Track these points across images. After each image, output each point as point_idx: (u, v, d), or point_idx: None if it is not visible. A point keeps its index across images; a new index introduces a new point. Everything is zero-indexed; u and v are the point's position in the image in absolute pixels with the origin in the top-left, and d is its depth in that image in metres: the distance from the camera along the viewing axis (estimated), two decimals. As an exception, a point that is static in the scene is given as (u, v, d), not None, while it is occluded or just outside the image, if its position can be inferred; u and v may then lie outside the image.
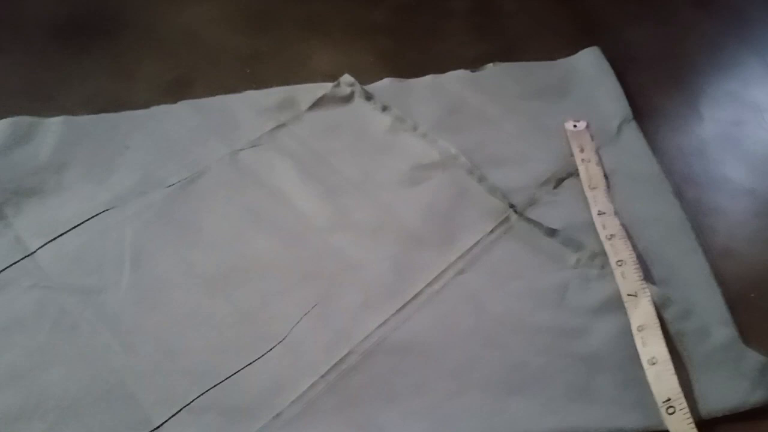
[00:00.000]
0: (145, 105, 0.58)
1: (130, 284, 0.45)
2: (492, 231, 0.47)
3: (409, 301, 0.44)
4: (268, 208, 0.50)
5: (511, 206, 0.48)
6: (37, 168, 0.52)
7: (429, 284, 0.45)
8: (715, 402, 0.39)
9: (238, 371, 0.42)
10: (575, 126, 0.53)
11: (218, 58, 0.62)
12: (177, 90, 0.59)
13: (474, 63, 0.59)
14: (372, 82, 0.58)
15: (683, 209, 0.47)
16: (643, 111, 0.54)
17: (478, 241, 0.47)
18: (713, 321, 0.41)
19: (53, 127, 0.55)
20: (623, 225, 0.46)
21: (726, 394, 0.39)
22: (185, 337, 0.43)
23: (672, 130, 0.53)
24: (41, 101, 0.57)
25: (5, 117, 0.54)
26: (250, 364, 0.42)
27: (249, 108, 0.57)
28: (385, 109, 0.55)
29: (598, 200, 0.48)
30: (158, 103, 0.58)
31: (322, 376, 0.41)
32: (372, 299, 0.44)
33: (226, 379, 0.41)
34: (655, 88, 0.56)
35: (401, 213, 0.49)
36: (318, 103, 0.56)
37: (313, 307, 0.44)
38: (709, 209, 0.47)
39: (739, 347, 0.40)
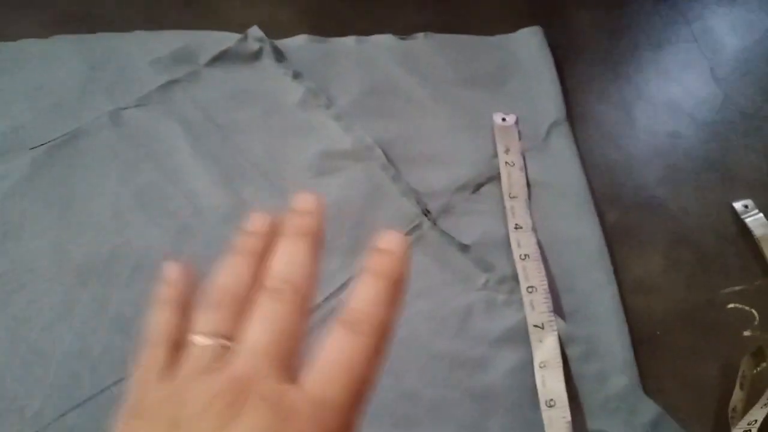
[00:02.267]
0: (13, 37, 0.48)
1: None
2: (401, 239, 0.43)
3: (303, 316, 0.40)
4: (153, 186, 0.43)
5: (425, 213, 0.44)
6: None
7: (327, 298, 0.41)
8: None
9: (104, 389, 0.37)
10: (504, 120, 0.49)
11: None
12: (62, 28, 0.50)
13: (404, 30, 0.52)
14: (286, 37, 0.51)
15: (603, 234, 0.44)
16: (576, 112, 0.50)
17: (384, 251, 0.43)
18: (615, 365, 0.40)
19: None
20: (539, 244, 0.44)
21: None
22: (46, 338, 0.38)
23: (603, 138, 0.49)
24: None
25: None
26: (120, 381, 0.37)
27: (138, 53, 0.48)
28: (296, 76, 0.48)
29: (516, 212, 0.45)
30: (31, 35, 0.49)
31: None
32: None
33: (89, 399, 0.37)
34: (593, 85, 0.51)
35: (305, 207, 0.43)
36: (219, 58, 0.49)
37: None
38: (629, 235, 0.45)
39: (635, 396, 0.39)
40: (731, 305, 0.43)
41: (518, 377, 0.39)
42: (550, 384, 0.39)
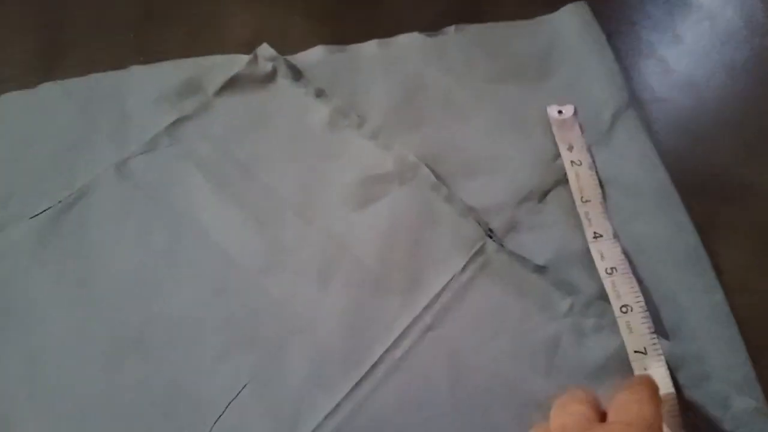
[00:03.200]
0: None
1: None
2: (464, 268, 0.37)
3: (367, 373, 0.35)
4: (177, 242, 0.38)
5: (489, 233, 0.38)
6: None
7: (389, 349, 0.35)
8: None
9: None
10: (560, 113, 0.43)
11: (97, 21, 0.46)
12: (42, 66, 0.44)
13: (432, 25, 0.46)
14: (301, 50, 0.45)
15: (695, 231, 0.38)
16: (640, 93, 0.44)
17: (448, 283, 0.37)
18: (735, 385, 0.34)
19: None
20: (625, 253, 0.38)
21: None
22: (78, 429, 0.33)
23: (671, 120, 0.43)
24: None
25: None
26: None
27: (138, 92, 0.43)
28: (320, 94, 0.43)
29: (593, 219, 0.39)
30: (17, 84, 0.43)
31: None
32: (321, 372, 0.35)
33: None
34: (651, 58, 0.45)
35: (352, 245, 0.38)
36: (230, 85, 0.43)
37: (244, 387, 0.34)
38: (722, 229, 0.39)
39: (765, 422, 0.33)
40: None
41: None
42: (666, 420, 0.33)
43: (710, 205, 0.40)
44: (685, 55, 0.46)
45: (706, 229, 0.39)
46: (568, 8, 0.47)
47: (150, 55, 0.45)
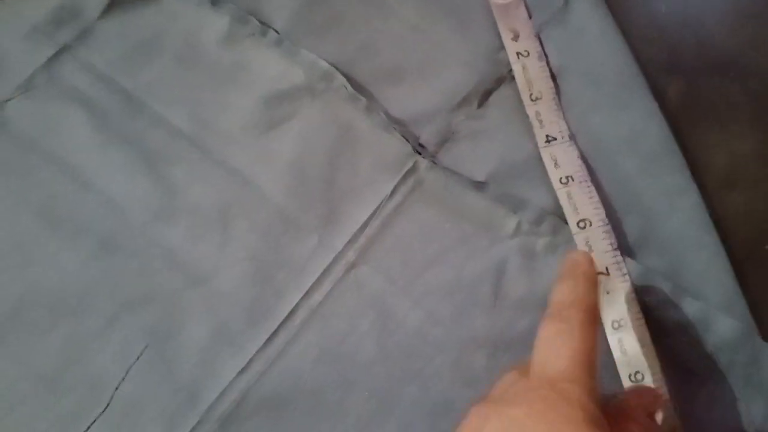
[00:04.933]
0: None
1: None
2: (392, 193, 0.31)
3: (281, 325, 0.30)
4: (59, 196, 0.33)
5: (418, 149, 0.32)
6: None
7: (307, 294, 0.30)
8: None
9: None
10: (502, -5, 0.35)
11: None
12: None
13: None
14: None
15: (666, 121, 0.31)
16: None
17: (374, 213, 0.31)
18: (716, 304, 0.28)
19: None
20: (583, 157, 0.31)
21: (731, 419, 0.27)
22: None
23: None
24: None
25: None
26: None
27: (7, 27, 0.37)
28: (216, 2, 0.36)
29: (544, 119, 0.32)
30: None
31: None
32: (226, 329, 0.30)
33: None
34: None
35: (257, 179, 0.32)
36: (114, 4, 0.36)
37: (143, 352, 0.30)
38: (702, 111, 0.32)
39: (752, 341, 0.27)
40: None
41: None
42: (632, 350, 0.28)
43: (691, 84, 0.33)
44: None
45: (689, 109, 0.32)
46: None
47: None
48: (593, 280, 0.27)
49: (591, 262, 0.28)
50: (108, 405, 0.29)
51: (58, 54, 0.36)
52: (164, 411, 0.29)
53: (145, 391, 0.29)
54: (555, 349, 0.23)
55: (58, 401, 0.29)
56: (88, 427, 0.29)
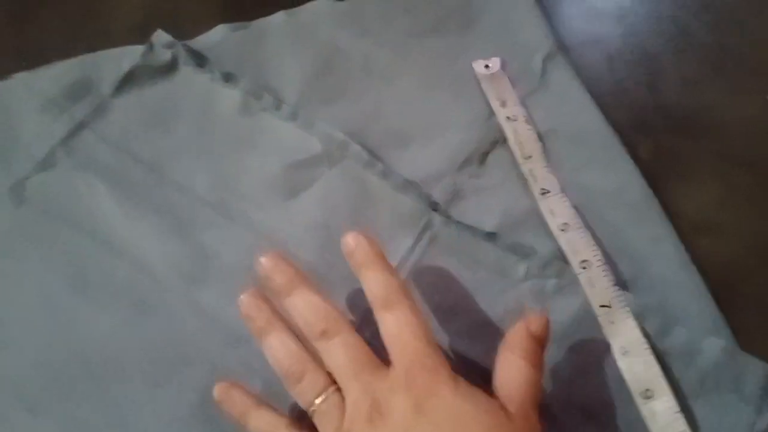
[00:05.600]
0: None
1: None
2: (413, 247, 0.35)
3: (322, 378, 0.32)
4: (90, 264, 0.34)
5: (433, 206, 0.36)
6: None
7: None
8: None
9: None
10: (487, 67, 0.40)
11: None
12: None
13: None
14: (200, 33, 0.40)
15: (642, 176, 0.37)
16: (568, 38, 0.41)
17: (396, 267, 0.34)
18: (702, 331, 0.33)
19: None
20: (575, 206, 0.36)
21: (728, 427, 0.31)
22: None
23: (605, 59, 0.41)
24: None
25: None
26: None
27: (24, 102, 0.38)
28: (228, 79, 0.38)
29: (537, 175, 0.37)
30: None
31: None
32: (269, 388, 0.31)
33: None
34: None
35: (285, 241, 0.34)
36: (126, 81, 0.38)
37: (188, 412, 0.31)
38: (671, 167, 0.37)
39: (737, 358, 0.32)
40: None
41: (602, 374, 0.32)
42: (639, 371, 0.31)
43: (658, 142, 0.38)
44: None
45: (659, 165, 0.37)
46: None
47: (32, 60, 0.39)
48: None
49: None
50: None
51: (75, 129, 0.37)
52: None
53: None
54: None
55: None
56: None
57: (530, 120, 0.38)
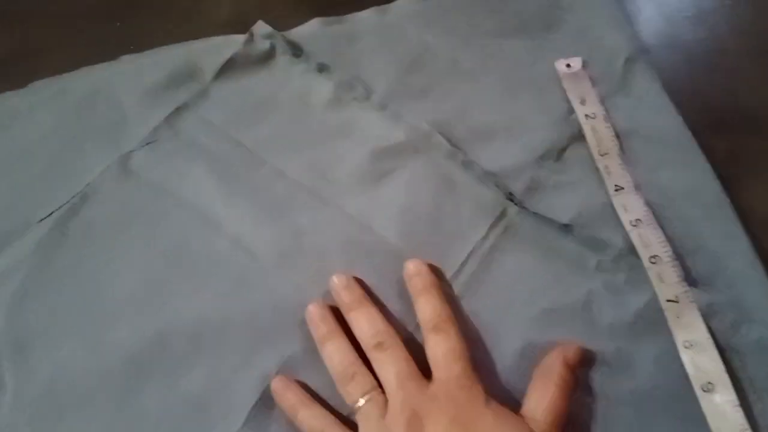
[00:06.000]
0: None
1: (15, 397, 0.32)
2: (487, 234, 0.37)
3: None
4: (189, 239, 0.37)
5: (510, 197, 0.38)
6: None
7: (417, 326, 0.35)
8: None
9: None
10: (569, 66, 0.41)
11: (75, 12, 0.44)
12: (18, 66, 0.42)
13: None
14: (295, 26, 0.43)
15: (717, 178, 0.38)
16: (649, 39, 0.43)
17: (472, 251, 0.36)
18: (770, 327, 0.34)
19: None
20: (648, 204, 0.37)
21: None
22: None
23: (690, 61, 0.42)
24: None
25: None
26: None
27: (131, 84, 0.41)
28: (322, 69, 0.41)
29: (612, 172, 0.38)
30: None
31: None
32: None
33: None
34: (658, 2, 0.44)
35: (372, 224, 0.37)
36: (227, 68, 0.42)
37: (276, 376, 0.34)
38: (745, 166, 0.38)
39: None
40: None
41: (665, 366, 0.34)
42: (703, 364, 0.33)
43: (735, 139, 0.39)
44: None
45: (733, 164, 0.38)
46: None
47: (138, 45, 0.43)
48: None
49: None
50: (244, 423, 0.33)
51: (178, 111, 0.40)
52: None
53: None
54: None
55: (200, 419, 0.32)
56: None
57: (608, 119, 0.39)
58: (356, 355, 0.32)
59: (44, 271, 0.36)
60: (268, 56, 0.42)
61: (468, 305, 0.35)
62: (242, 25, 0.43)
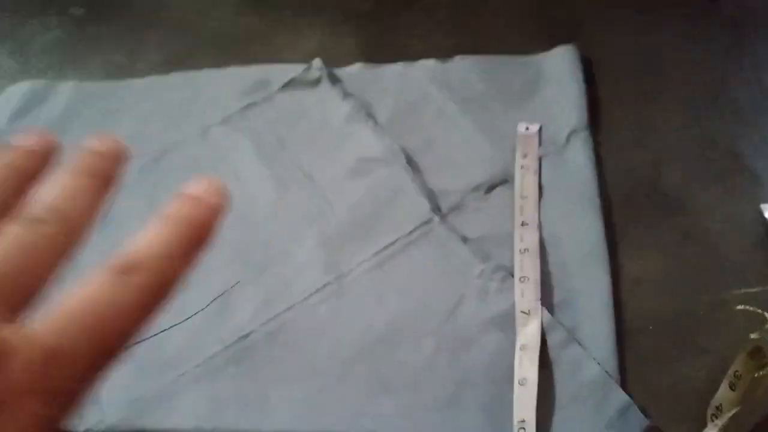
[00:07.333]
0: (140, 74, 0.64)
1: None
2: (411, 232, 0.48)
3: (317, 291, 0.47)
4: (235, 197, 0.53)
5: (436, 210, 0.49)
6: (49, 126, 0.59)
7: (339, 276, 0.47)
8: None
9: (163, 330, 0.47)
10: (527, 129, 0.52)
11: (214, 37, 0.66)
12: (174, 66, 0.64)
13: (449, 54, 0.58)
14: (345, 64, 0.60)
15: (604, 232, 0.46)
16: (605, 120, 0.52)
17: (396, 240, 0.48)
18: (592, 354, 0.41)
19: (64, 90, 0.62)
20: (542, 239, 0.46)
21: (579, 430, 0.39)
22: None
23: (627, 144, 0.50)
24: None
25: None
26: (173, 326, 0.47)
27: (228, 84, 0.61)
28: (346, 96, 0.57)
29: (525, 210, 0.48)
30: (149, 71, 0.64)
31: (226, 347, 0.46)
32: (282, 288, 0.47)
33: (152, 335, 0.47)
34: (622, 97, 0.53)
35: (338, 202, 0.51)
36: (289, 84, 0.59)
37: (232, 286, 0.48)
38: (640, 235, 0.46)
39: (606, 385, 0.39)
40: (740, 306, 0.41)
41: (499, 357, 0.42)
42: (526, 364, 0.41)
43: (637, 214, 0.47)
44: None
45: (629, 233, 0.46)
46: (559, 48, 0.56)
47: (246, 63, 0.63)
48: None
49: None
50: (206, 307, 0.48)
51: (249, 106, 0.58)
52: (234, 322, 0.47)
53: (226, 309, 0.47)
54: None
55: (185, 298, 0.48)
56: (194, 315, 0.47)
57: (538, 172, 0.49)
58: None
59: (138, 185, 0.55)
60: (316, 82, 0.58)
61: (378, 275, 0.47)
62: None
